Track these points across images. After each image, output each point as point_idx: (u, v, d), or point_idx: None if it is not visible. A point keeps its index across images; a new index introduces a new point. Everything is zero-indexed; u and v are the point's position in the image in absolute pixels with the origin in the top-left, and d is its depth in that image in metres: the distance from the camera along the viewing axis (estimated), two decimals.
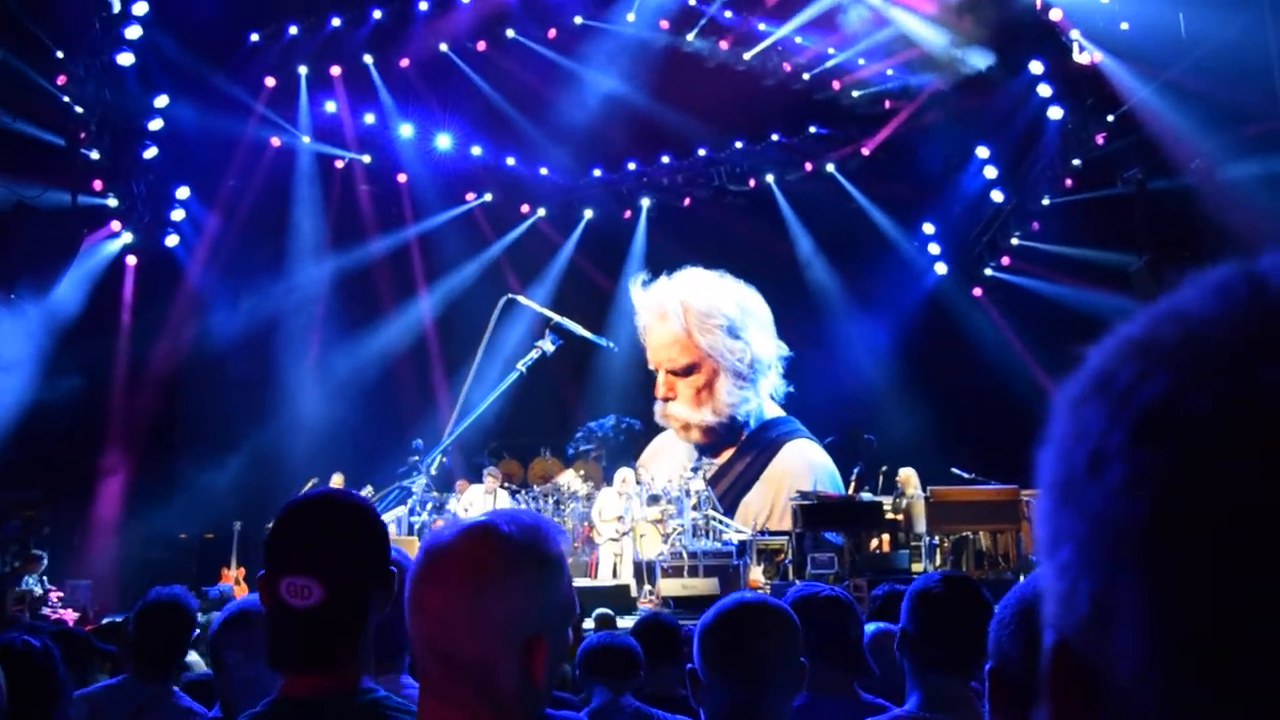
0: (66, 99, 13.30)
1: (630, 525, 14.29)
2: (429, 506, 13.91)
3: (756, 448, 17.84)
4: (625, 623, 8.22)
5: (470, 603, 1.44)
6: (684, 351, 17.95)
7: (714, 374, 17.82)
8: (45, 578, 12.33)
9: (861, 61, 17.40)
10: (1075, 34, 14.55)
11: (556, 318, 15.49)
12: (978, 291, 18.59)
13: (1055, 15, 14.55)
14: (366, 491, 14.80)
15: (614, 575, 14.15)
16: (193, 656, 4.82)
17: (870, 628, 3.85)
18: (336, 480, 14.68)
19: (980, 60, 15.79)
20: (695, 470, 15.04)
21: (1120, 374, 0.53)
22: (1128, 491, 0.50)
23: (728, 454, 17.77)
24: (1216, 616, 0.47)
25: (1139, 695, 0.50)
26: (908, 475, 13.69)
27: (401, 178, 19.14)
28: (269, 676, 2.99)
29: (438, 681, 1.49)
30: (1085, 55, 14.61)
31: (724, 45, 17.92)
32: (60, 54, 12.99)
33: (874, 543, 12.92)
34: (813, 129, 19.39)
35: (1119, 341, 0.56)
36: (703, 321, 17.87)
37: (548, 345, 14.74)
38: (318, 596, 1.83)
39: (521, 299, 16.55)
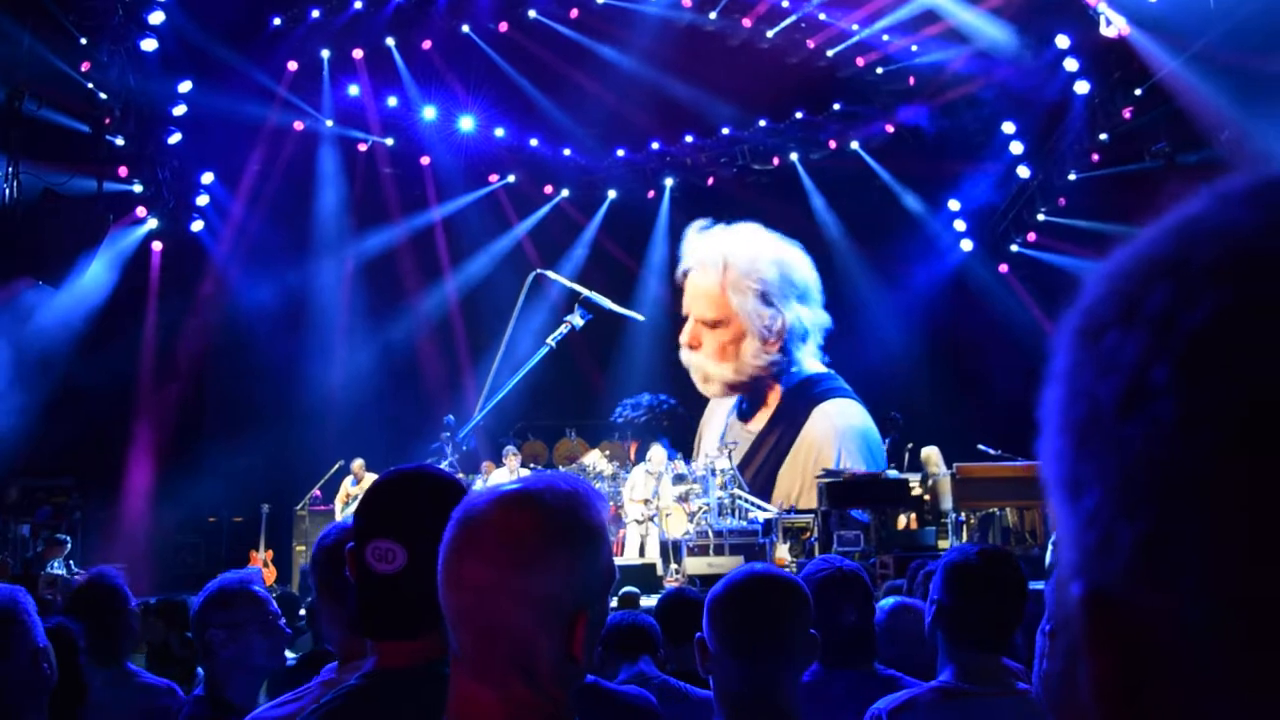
0: (91, 86, 13.33)
1: (657, 507, 14.29)
2: None
3: (786, 418, 17.80)
4: (650, 601, 8.21)
5: (510, 577, 1.36)
6: (715, 306, 17.95)
7: (741, 334, 17.80)
8: (71, 561, 12.42)
9: (885, 38, 17.25)
10: (1102, 6, 14.34)
11: (585, 292, 15.47)
12: (1004, 268, 18.46)
13: None
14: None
15: (640, 554, 14.15)
16: None
17: (887, 602, 3.84)
18: (357, 465, 14.69)
19: (1005, 35, 15.61)
20: (720, 446, 14.99)
21: (1149, 298, 0.49)
22: (1187, 427, 0.46)
23: (760, 423, 17.68)
24: None
25: (1205, 643, 0.47)
26: (930, 454, 13.63)
27: (424, 160, 19.15)
28: (254, 655, 3.04)
29: (471, 656, 1.40)
30: (1112, 28, 14.39)
31: (746, 23, 17.80)
32: (84, 40, 13.01)
33: (901, 520, 12.88)
34: (837, 106, 19.26)
35: (1132, 262, 0.52)
36: (739, 281, 17.84)
37: (577, 319, 14.70)
38: (401, 561, 1.85)
39: (550, 274, 16.53)
